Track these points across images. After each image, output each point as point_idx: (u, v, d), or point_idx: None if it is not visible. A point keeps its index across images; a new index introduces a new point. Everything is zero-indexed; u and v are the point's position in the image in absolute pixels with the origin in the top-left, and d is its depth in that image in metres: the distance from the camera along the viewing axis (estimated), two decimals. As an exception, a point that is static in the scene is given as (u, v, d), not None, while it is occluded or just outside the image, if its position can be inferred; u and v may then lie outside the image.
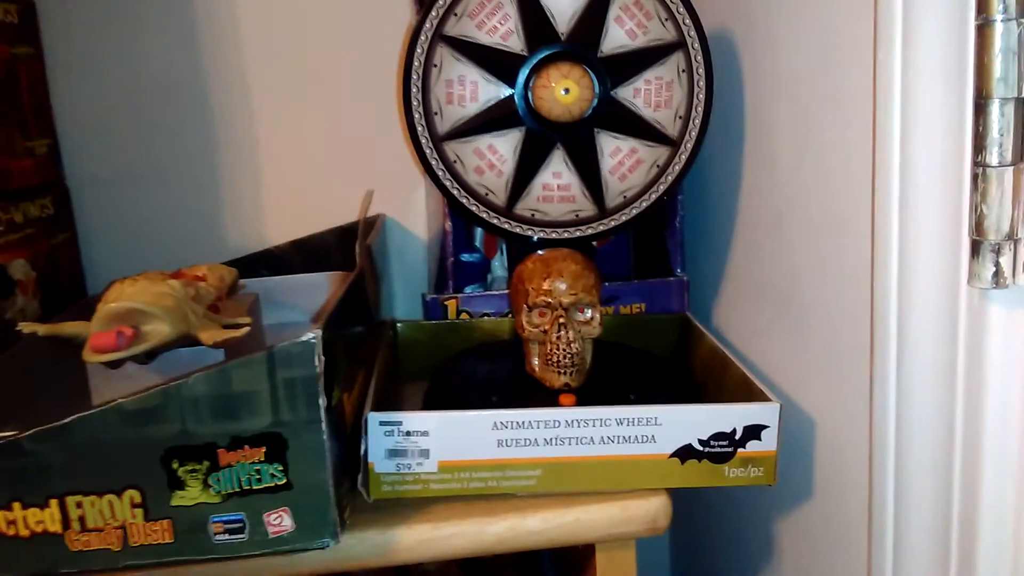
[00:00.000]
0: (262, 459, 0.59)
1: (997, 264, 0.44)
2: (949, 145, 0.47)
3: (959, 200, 0.46)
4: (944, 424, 0.51)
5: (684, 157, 0.78)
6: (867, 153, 0.56)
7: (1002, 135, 0.42)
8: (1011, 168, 0.42)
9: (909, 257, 0.51)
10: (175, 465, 0.58)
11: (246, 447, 0.58)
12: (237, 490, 0.59)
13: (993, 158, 0.42)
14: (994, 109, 0.42)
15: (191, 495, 0.58)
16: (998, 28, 0.41)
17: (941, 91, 0.47)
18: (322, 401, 0.58)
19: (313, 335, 0.58)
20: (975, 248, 0.44)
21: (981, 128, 0.43)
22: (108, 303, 0.66)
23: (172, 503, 0.58)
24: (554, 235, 0.78)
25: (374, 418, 0.64)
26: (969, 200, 0.44)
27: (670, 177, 0.78)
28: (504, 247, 0.96)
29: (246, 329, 0.70)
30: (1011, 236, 0.43)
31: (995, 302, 0.45)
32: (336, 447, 0.61)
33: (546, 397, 0.72)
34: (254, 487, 0.59)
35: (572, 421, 0.66)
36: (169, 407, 0.58)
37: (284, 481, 0.59)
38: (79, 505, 0.58)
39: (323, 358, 0.58)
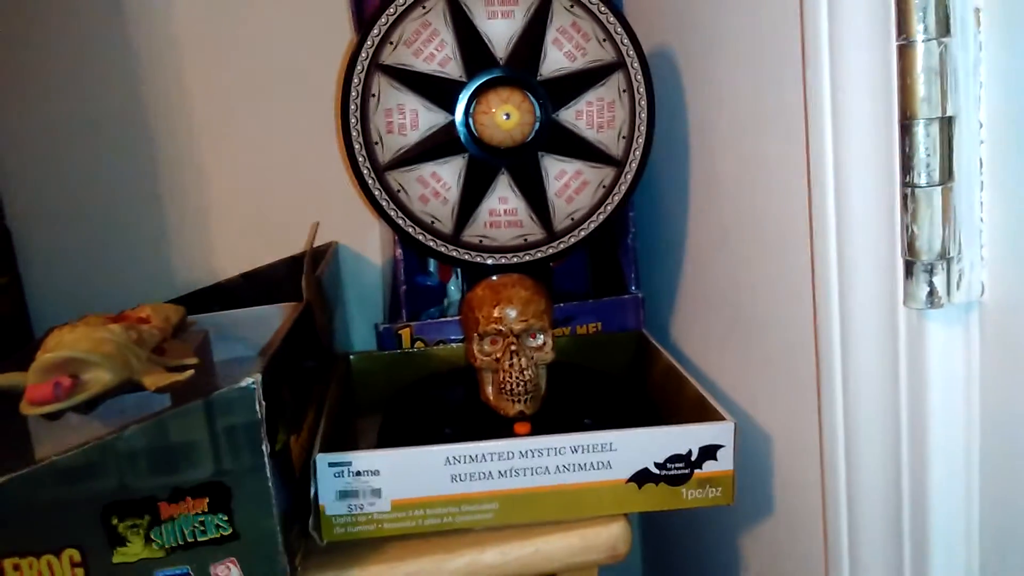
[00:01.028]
0: (205, 510, 0.57)
1: (931, 284, 0.43)
2: (880, 166, 0.47)
3: (892, 221, 0.46)
4: (891, 439, 0.51)
5: (630, 177, 0.77)
6: (803, 172, 0.55)
7: (928, 155, 0.42)
8: (939, 188, 0.42)
9: (848, 278, 0.51)
10: (115, 521, 0.56)
11: (188, 499, 0.57)
12: (181, 543, 0.57)
13: (921, 178, 0.42)
14: (919, 129, 0.42)
15: (133, 551, 0.57)
16: (919, 48, 0.41)
17: (869, 112, 0.46)
18: (265, 447, 0.57)
19: (252, 380, 0.56)
20: (908, 269, 0.44)
21: (908, 148, 0.42)
22: (46, 352, 0.64)
23: (114, 560, 0.57)
24: (503, 260, 0.77)
25: (322, 459, 0.63)
26: (900, 220, 0.44)
27: (617, 197, 0.78)
28: (459, 270, 0.95)
29: (190, 372, 0.69)
30: (943, 255, 0.43)
31: (932, 321, 0.45)
32: (284, 492, 0.59)
33: (501, 426, 0.71)
34: (199, 539, 0.57)
35: (526, 451, 0.65)
36: (105, 462, 0.56)
37: (230, 531, 0.57)
38: (16, 567, 0.56)
39: (264, 403, 0.56)
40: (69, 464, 0.55)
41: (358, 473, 0.63)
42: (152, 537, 0.56)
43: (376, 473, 0.63)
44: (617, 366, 0.88)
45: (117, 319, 0.75)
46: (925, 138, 0.42)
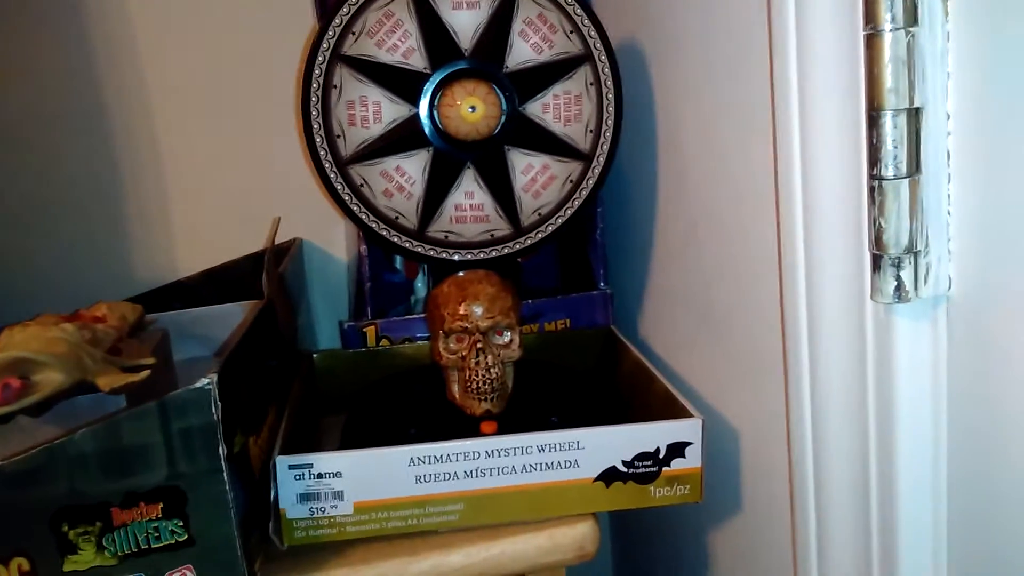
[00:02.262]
0: (159, 515, 0.55)
1: (898, 278, 0.43)
2: (847, 158, 0.46)
3: (859, 214, 0.46)
4: (858, 434, 0.50)
5: (597, 171, 0.76)
6: (770, 165, 0.55)
7: (896, 147, 0.41)
8: (907, 180, 0.42)
9: (815, 272, 0.50)
10: (65, 528, 0.54)
11: (141, 504, 0.55)
12: (134, 550, 0.55)
13: (888, 170, 0.42)
14: (887, 121, 0.41)
15: (84, 559, 0.55)
16: (887, 38, 0.40)
17: (836, 103, 0.46)
18: (222, 449, 0.55)
19: (208, 380, 0.54)
20: (876, 263, 0.43)
21: (875, 140, 0.42)
22: (-5, 352, 0.62)
23: (65, 568, 0.54)
24: (470, 256, 0.75)
25: (283, 461, 0.61)
26: (868, 214, 0.43)
27: (584, 192, 0.77)
28: (425, 267, 0.94)
29: (146, 372, 0.67)
30: (911, 249, 0.42)
31: (900, 316, 0.45)
32: (242, 495, 0.58)
33: (467, 425, 0.70)
34: (153, 546, 0.55)
35: (492, 451, 0.63)
36: (55, 466, 0.54)
37: (185, 537, 0.55)
38: (-39, 577, 0.54)
39: (221, 404, 0.55)
40: (17, 469, 0.53)
41: (320, 475, 0.62)
42: (104, 544, 0.55)
43: (338, 475, 0.62)
44: (585, 363, 0.87)
45: (71, 318, 0.72)
46: (892, 130, 0.41)
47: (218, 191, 1.05)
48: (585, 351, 0.89)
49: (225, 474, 0.55)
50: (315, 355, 0.87)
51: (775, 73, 0.51)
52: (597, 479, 0.65)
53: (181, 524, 0.55)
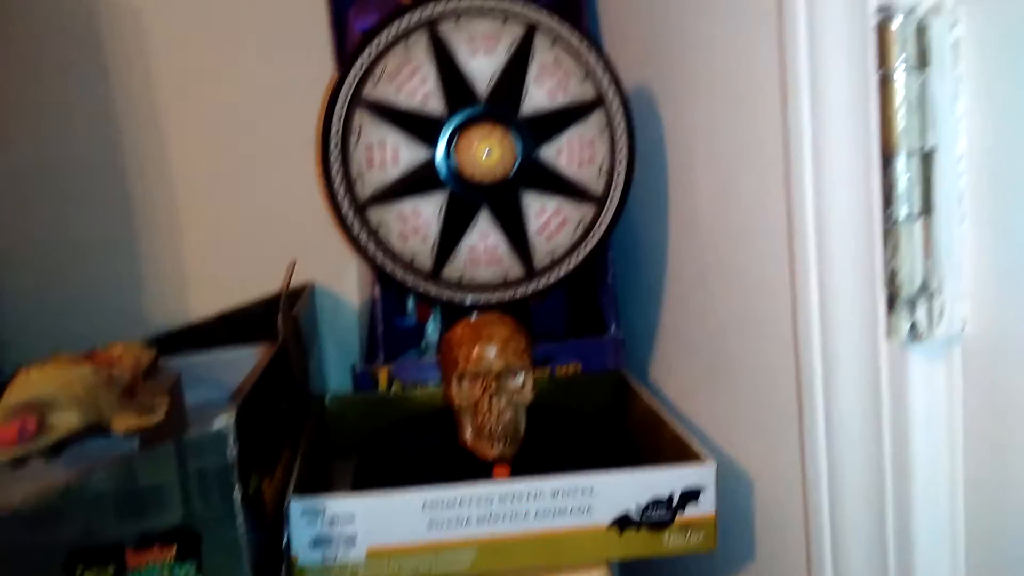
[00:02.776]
0: (174, 558, 0.55)
1: (913, 318, 0.43)
2: (861, 199, 0.46)
3: (873, 255, 0.46)
4: (874, 477, 0.50)
5: (610, 214, 0.77)
6: (783, 207, 0.55)
7: (909, 188, 0.42)
8: (920, 221, 0.42)
9: (829, 313, 0.50)
10: (79, 570, 0.54)
11: (156, 545, 0.55)
12: (147, 593, 0.55)
13: (902, 211, 0.42)
14: (900, 162, 0.42)
15: (97, 601, 0.54)
16: (899, 81, 0.41)
17: (849, 145, 0.46)
18: (237, 491, 0.55)
19: (225, 422, 0.55)
20: (891, 302, 0.43)
21: (889, 181, 0.42)
22: (12, 393, 0.62)
23: (77, 610, 0.54)
24: (483, 299, 0.76)
25: (296, 506, 0.61)
26: (882, 254, 0.44)
27: (597, 235, 0.77)
28: (437, 310, 0.94)
29: (161, 414, 0.67)
30: (925, 289, 0.42)
31: (914, 355, 0.44)
32: (255, 538, 0.57)
33: (479, 470, 0.69)
34: (166, 588, 0.55)
35: (505, 496, 0.63)
36: (71, 508, 0.54)
37: (198, 580, 0.55)
38: (-26, 618, 0.53)
39: (236, 446, 0.55)
40: (33, 510, 0.53)
41: (332, 519, 0.61)
42: (117, 586, 0.54)
43: (351, 519, 0.61)
44: (597, 407, 0.87)
45: (87, 359, 0.73)
46: (905, 171, 0.42)
47: (233, 235, 1.06)
48: (596, 395, 0.88)
49: (239, 516, 0.55)
50: (327, 399, 0.87)
51: (788, 115, 0.52)
52: (611, 526, 0.64)
53: (196, 567, 0.55)
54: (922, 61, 0.41)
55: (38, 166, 1.02)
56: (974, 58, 0.40)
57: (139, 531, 0.54)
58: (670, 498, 0.65)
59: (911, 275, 0.43)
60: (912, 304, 0.43)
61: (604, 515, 0.64)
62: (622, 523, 0.65)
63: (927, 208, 0.42)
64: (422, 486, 0.62)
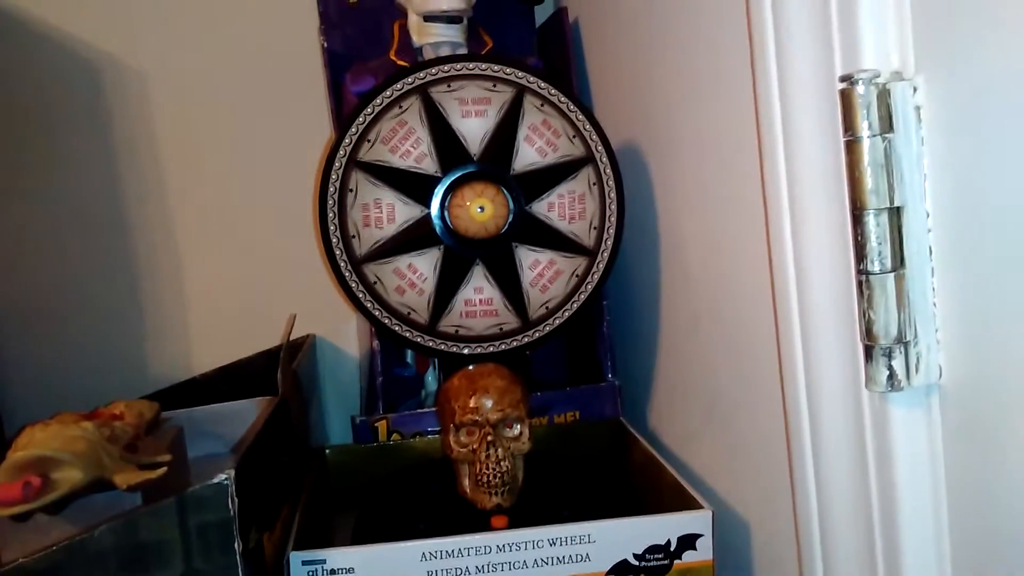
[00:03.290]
0: (175, 611, 0.56)
1: (890, 367, 0.44)
2: (836, 254, 0.48)
3: (851, 307, 0.48)
4: (863, 521, 0.51)
5: (602, 266, 0.79)
6: (765, 260, 0.57)
7: (880, 243, 0.44)
8: (892, 274, 0.44)
9: (812, 364, 0.52)
10: (81, 625, 0.55)
11: (157, 600, 0.55)
12: (149, 648, 0.55)
13: (874, 265, 0.44)
14: (870, 219, 0.44)
15: (99, 658, 0.55)
16: (865, 144, 0.43)
17: (823, 203, 0.48)
18: (238, 545, 0.56)
19: (225, 476, 0.56)
20: (868, 353, 0.45)
21: (860, 237, 0.44)
22: (16, 450, 0.64)
23: (79, 668, 0.55)
24: (479, 350, 0.78)
25: (296, 558, 0.62)
26: (857, 306, 0.45)
27: (590, 286, 0.79)
28: (436, 361, 0.95)
29: (163, 470, 0.68)
30: (900, 339, 0.44)
31: (894, 404, 0.46)
32: (255, 592, 0.58)
33: (477, 520, 0.70)
34: (167, 643, 0.56)
35: (503, 545, 0.64)
36: (74, 564, 0.55)
37: (199, 634, 0.56)
38: (-24, 678, 0.54)
39: (237, 499, 0.56)
40: (37, 567, 0.54)
41: (332, 571, 0.62)
42: (119, 642, 0.55)
43: (351, 571, 0.62)
44: (595, 455, 0.88)
45: (90, 416, 0.74)
46: (875, 227, 0.44)
47: (234, 290, 1.08)
48: (595, 442, 0.89)
49: (240, 569, 0.56)
50: (327, 450, 0.88)
51: (765, 176, 0.54)
52: (609, 572, 0.65)
53: (195, 621, 0.55)
54: (887, 124, 0.43)
55: (42, 223, 1.04)
56: (935, 121, 0.43)
57: (141, 586, 0.55)
58: (668, 544, 0.66)
59: (886, 326, 0.44)
60: (889, 354, 0.44)
61: (603, 562, 0.65)
62: (621, 570, 0.65)
63: (899, 262, 0.44)
64: (420, 537, 0.63)
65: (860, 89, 0.42)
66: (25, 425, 0.68)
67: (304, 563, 0.62)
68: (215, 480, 0.55)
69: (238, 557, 0.56)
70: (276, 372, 0.84)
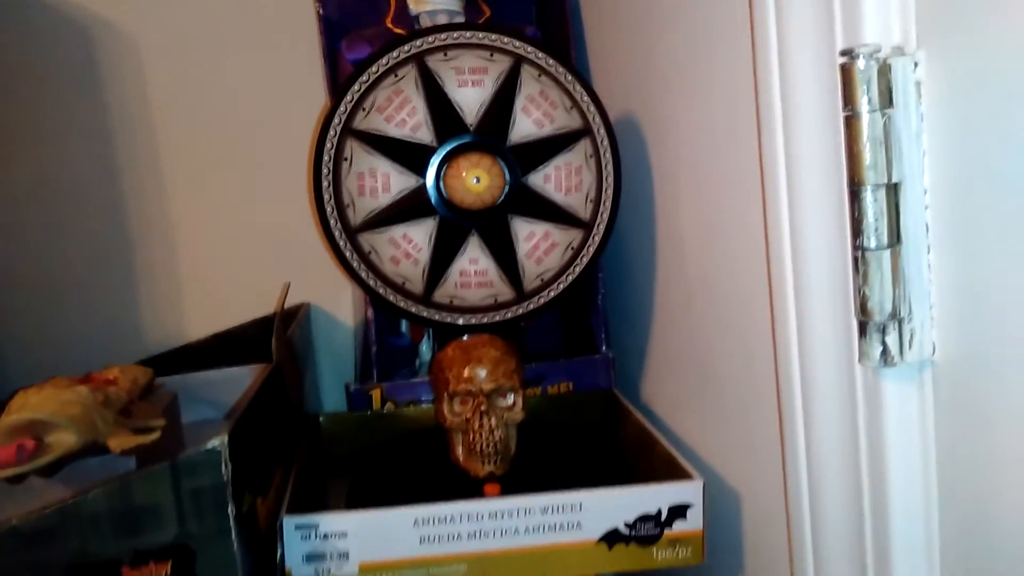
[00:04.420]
0: (169, 574, 0.56)
1: (884, 343, 0.45)
2: (832, 229, 0.48)
3: (846, 282, 0.48)
4: (852, 495, 0.51)
5: (598, 239, 0.79)
6: (761, 235, 0.57)
7: (877, 219, 0.44)
8: (888, 250, 0.44)
9: (806, 338, 0.52)
10: (75, 587, 0.55)
11: (151, 562, 0.56)
12: (143, 610, 0.56)
13: (871, 241, 0.44)
14: (867, 195, 0.44)
15: (93, 618, 0.55)
16: (864, 119, 0.43)
17: (820, 179, 0.48)
18: (231, 509, 0.56)
19: (219, 441, 0.56)
20: (862, 328, 0.45)
21: (857, 213, 0.44)
22: (10, 414, 0.64)
23: (73, 627, 0.55)
24: (474, 321, 0.78)
25: (289, 522, 0.62)
26: (853, 282, 0.46)
27: (585, 258, 0.79)
28: (430, 331, 0.96)
29: (157, 434, 0.68)
30: (895, 315, 0.44)
31: (887, 379, 0.46)
32: (249, 555, 0.59)
33: (470, 488, 0.71)
34: (161, 605, 0.56)
35: (496, 513, 0.65)
36: (67, 526, 0.55)
37: (193, 596, 0.56)
38: (-29, 637, 0.55)
39: (230, 464, 0.56)
40: (30, 528, 0.55)
41: (325, 535, 0.63)
42: (113, 603, 0.55)
43: (343, 535, 0.63)
44: (588, 426, 0.89)
45: (84, 381, 0.74)
46: (873, 203, 0.44)
47: (228, 257, 1.08)
48: (588, 413, 0.90)
49: (233, 533, 0.56)
50: (321, 417, 0.88)
51: (763, 150, 0.54)
52: (599, 541, 0.66)
53: (189, 584, 0.56)
54: (886, 100, 0.43)
55: (35, 189, 1.03)
56: (936, 97, 0.42)
57: (135, 548, 0.56)
58: (658, 514, 0.66)
59: (881, 302, 0.45)
60: (883, 330, 0.45)
61: (594, 531, 0.66)
62: (611, 538, 0.66)
63: (895, 238, 0.44)
64: (413, 503, 0.64)
65: (861, 64, 0.42)
66: (18, 389, 0.69)
67: (297, 527, 0.62)
68: (209, 445, 0.56)
69: (231, 521, 0.56)
70: (270, 340, 0.84)
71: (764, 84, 0.52)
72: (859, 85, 0.42)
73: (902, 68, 0.43)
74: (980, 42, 0.40)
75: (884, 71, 0.42)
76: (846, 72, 0.43)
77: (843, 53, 0.44)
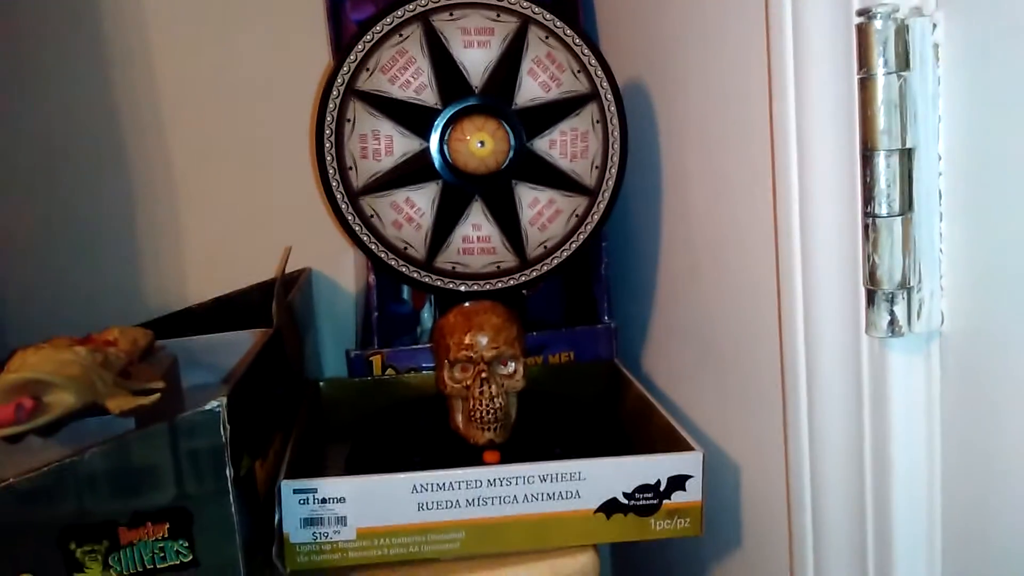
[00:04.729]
0: (166, 535, 0.56)
1: (892, 313, 0.44)
2: (843, 196, 0.47)
3: (855, 250, 0.47)
4: (855, 467, 0.51)
5: (602, 206, 0.78)
6: (769, 202, 0.56)
7: (889, 186, 0.43)
8: (900, 218, 0.43)
9: (812, 307, 0.51)
10: (72, 546, 0.55)
11: (148, 523, 0.56)
12: (140, 570, 0.56)
13: (882, 208, 0.43)
14: (880, 161, 0.42)
15: (91, 577, 0.55)
16: (879, 82, 0.42)
17: (832, 143, 0.47)
18: (229, 471, 0.56)
19: (217, 403, 0.56)
20: (870, 297, 0.44)
21: (869, 179, 0.43)
22: (8, 373, 0.64)
23: (70, 586, 0.55)
24: (476, 287, 0.77)
25: (287, 486, 0.62)
26: (862, 250, 0.45)
27: (589, 226, 0.78)
28: (432, 298, 0.95)
29: (156, 396, 0.68)
30: (904, 285, 0.43)
31: (893, 350, 0.46)
32: (247, 518, 0.59)
33: (470, 455, 0.71)
34: (158, 566, 0.56)
35: (494, 480, 0.64)
36: (65, 485, 0.55)
37: (190, 558, 0.56)
38: (-32, 594, 0.55)
39: (229, 426, 0.56)
40: (27, 487, 0.54)
41: (323, 500, 0.62)
42: (110, 563, 0.55)
43: (342, 500, 0.63)
44: (589, 395, 0.88)
45: (83, 341, 0.74)
46: (885, 169, 0.43)
47: (230, 220, 1.07)
48: (589, 383, 0.89)
49: (231, 496, 0.56)
50: (321, 383, 0.88)
51: (774, 114, 0.53)
52: (598, 510, 0.66)
53: (187, 544, 0.56)
54: (903, 62, 0.41)
55: (38, 154, 1.02)
56: (953, 60, 0.41)
57: (132, 509, 0.55)
58: (657, 484, 0.66)
59: (890, 271, 0.44)
60: (891, 299, 0.44)
61: (592, 500, 0.66)
62: (610, 508, 0.66)
63: (907, 205, 0.43)
64: (412, 470, 0.64)
65: (878, 24, 0.41)
66: (17, 349, 0.68)
67: (295, 491, 0.62)
68: (208, 406, 0.55)
69: (229, 483, 0.56)
70: (271, 304, 0.84)
71: (777, 44, 0.51)
72: (875, 46, 0.41)
73: (920, 29, 0.41)
74: (1001, 5, 0.38)
75: (901, 32, 0.41)
76: (862, 32, 0.41)
77: (860, 13, 0.42)
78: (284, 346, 0.81)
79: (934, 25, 0.41)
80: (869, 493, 0.50)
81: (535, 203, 0.77)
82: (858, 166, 0.45)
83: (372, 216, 0.75)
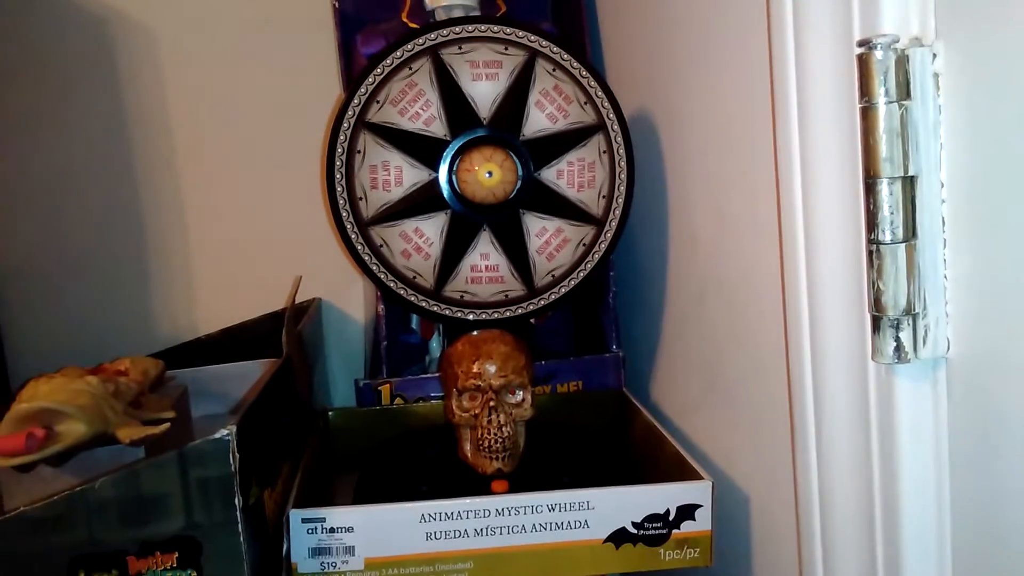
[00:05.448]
0: (174, 565, 0.56)
1: (898, 339, 0.44)
2: (847, 223, 0.48)
3: (860, 277, 0.47)
4: (863, 495, 0.51)
5: (609, 235, 0.78)
6: (775, 230, 0.57)
7: (892, 213, 0.43)
8: (903, 245, 0.43)
9: (819, 334, 0.51)
10: (82, 575, 0.55)
11: (157, 553, 0.56)
12: (148, 599, 0.56)
13: (886, 235, 0.43)
14: (883, 188, 0.43)
15: (99, 606, 0.55)
16: (881, 111, 0.42)
17: (835, 171, 0.48)
18: (238, 500, 0.56)
19: (227, 432, 0.56)
20: (876, 324, 0.45)
21: (872, 206, 0.43)
22: (20, 402, 0.64)
23: (79, 616, 0.55)
24: (484, 316, 0.77)
25: (296, 515, 0.62)
26: (867, 277, 0.45)
27: (597, 255, 0.79)
28: (441, 328, 0.95)
29: (166, 425, 0.68)
30: (909, 311, 0.44)
31: (900, 376, 0.46)
32: (255, 547, 0.59)
33: (478, 484, 0.71)
34: (166, 595, 0.56)
35: (503, 510, 0.64)
36: (75, 514, 0.55)
37: (199, 587, 0.56)
38: (-22, 622, 0.55)
39: (238, 455, 0.56)
40: (38, 515, 0.55)
41: (331, 530, 0.62)
42: (119, 592, 0.55)
43: (350, 530, 0.63)
44: (597, 424, 0.88)
45: (95, 371, 0.74)
46: (888, 196, 0.43)
47: (240, 251, 1.08)
48: (597, 412, 0.89)
49: (240, 525, 0.56)
50: (330, 412, 0.88)
51: (778, 142, 0.53)
52: (607, 540, 0.65)
53: (195, 574, 0.56)
54: (904, 91, 0.42)
55: (49, 180, 1.04)
56: (954, 89, 0.42)
57: (141, 538, 0.55)
58: (666, 514, 0.66)
59: (895, 297, 0.44)
60: (897, 326, 0.44)
61: (601, 529, 0.65)
62: (619, 538, 0.66)
63: (911, 232, 0.44)
64: (420, 499, 0.64)
65: (878, 54, 0.41)
66: (30, 378, 0.69)
67: (304, 521, 0.62)
68: (217, 435, 0.56)
69: (238, 512, 0.56)
70: (280, 334, 0.84)
71: (780, 75, 0.51)
72: (876, 76, 0.42)
73: (920, 59, 0.42)
74: (1000, 34, 0.39)
75: (902, 62, 0.42)
76: (863, 62, 0.42)
77: (860, 43, 0.43)
78: (293, 376, 0.81)
79: (934, 55, 0.42)
80: (879, 520, 0.50)
81: (543, 232, 0.78)
82: (861, 194, 0.45)
83: (382, 246, 0.76)
